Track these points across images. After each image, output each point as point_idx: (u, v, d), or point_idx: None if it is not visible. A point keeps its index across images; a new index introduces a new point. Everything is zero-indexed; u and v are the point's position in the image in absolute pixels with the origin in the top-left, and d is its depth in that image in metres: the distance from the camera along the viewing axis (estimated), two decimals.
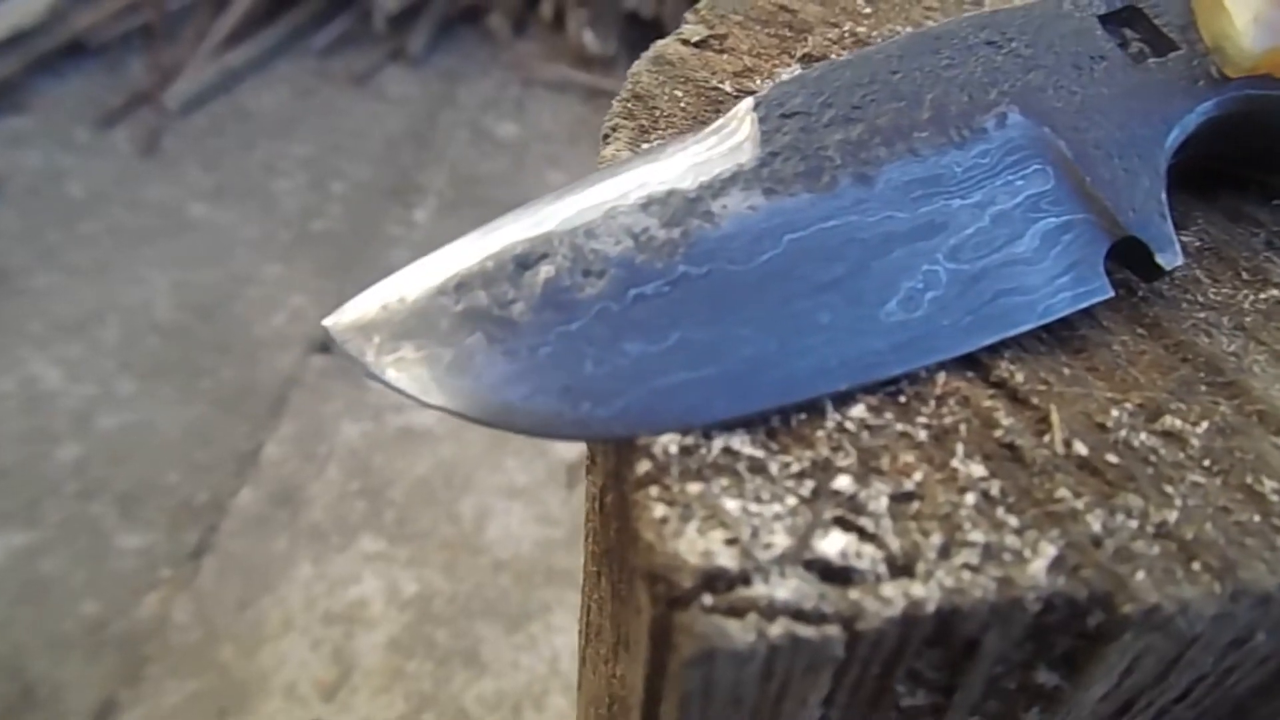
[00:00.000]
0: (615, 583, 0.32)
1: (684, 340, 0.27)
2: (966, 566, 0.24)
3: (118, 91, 2.15)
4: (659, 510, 0.25)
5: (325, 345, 1.69)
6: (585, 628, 0.44)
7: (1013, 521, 0.25)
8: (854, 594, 0.24)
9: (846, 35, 0.40)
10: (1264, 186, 0.36)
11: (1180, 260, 0.30)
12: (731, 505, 0.25)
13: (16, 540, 1.39)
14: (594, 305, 0.27)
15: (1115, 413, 0.28)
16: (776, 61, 0.39)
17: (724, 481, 0.25)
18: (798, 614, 0.23)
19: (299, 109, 2.20)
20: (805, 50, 0.39)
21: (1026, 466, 0.27)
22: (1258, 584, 0.25)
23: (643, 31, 2.26)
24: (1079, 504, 0.26)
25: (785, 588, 0.23)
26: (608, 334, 0.26)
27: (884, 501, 0.25)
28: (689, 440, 0.26)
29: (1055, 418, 0.27)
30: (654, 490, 0.25)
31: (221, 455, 1.53)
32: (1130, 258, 0.30)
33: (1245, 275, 0.33)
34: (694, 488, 0.25)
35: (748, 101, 0.31)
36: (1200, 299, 0.32)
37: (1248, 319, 0.31)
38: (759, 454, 0.26)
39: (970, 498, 0.26)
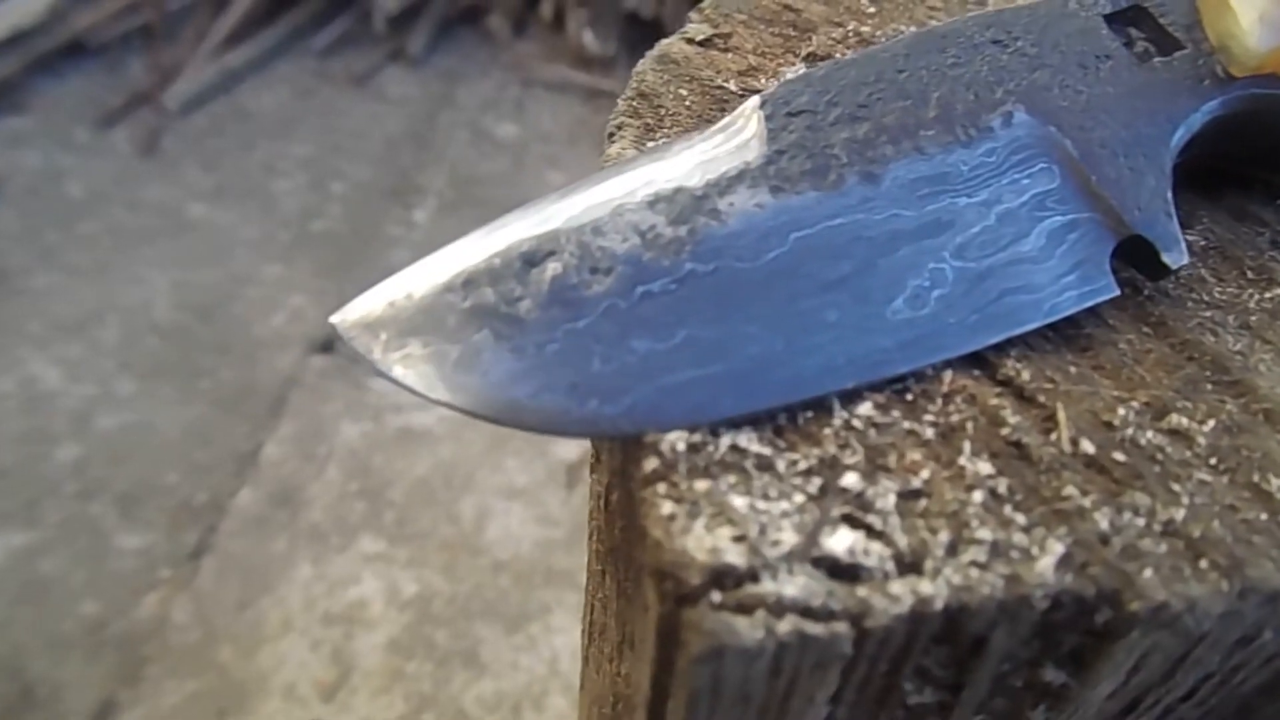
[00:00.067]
0: (621, 581, 0.32)
1: (691, 338, 0.27)
2: (974, 564, 0.24)
3: (117, 92, 2.15)
4: (667, 507, 0.25)
5: (325, 345, 1.69)
6: (589, 627, 0.44)
7: (1020, 519, 0.25)
8: (862, 591, 0.24)
9: (851, 35, 0.40)
10: (1269, 186, 0.36)
11: (1186, 259, 0.30)
12: (739, 502, 0.25)
13: (16, 540, 1.39)
14: (601, 302, 0.27)
15: (1122, 411, 0.28)
16: (781, 61, 0.39)
17: (732, 479, 0.25)
18: (806, 611, 0.23)
19: (299, 109, 2.20)
20: (810, 49, 0.39)
21: (1034, 464, 0.27)
22: (1265, 582, 0.25)
23: (642, 32, 2.26)
24: (1086, 502, 0.26)
25: (793, 585, 0.23)
26: (615, 331, 0.26)
27: (891, 499, 0.25)
28: (696, 437, 0.26)
29: (1062, 416, 0.28)
30: (661, 487, 0.25)
31: (221, 456, 1.52)
32: (1136, 256, 0.30)
33: (1250, 274, 0.33)
34: (702, 485, 0.25)
35: (754, 100, 0.31)
36: (1206, 298, 0.32)
37: (1253, 318, 0.31)
38: (766, 451, 0.26)
39: (978, 495, 0.26)
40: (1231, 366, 0.30)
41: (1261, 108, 0.33)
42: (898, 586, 0.24)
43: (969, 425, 0.27)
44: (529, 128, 2.21)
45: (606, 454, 0.32)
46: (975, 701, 0.27)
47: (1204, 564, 0.25)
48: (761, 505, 0.25)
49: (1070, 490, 0.26)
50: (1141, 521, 0.26)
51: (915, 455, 0.26)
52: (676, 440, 0.26)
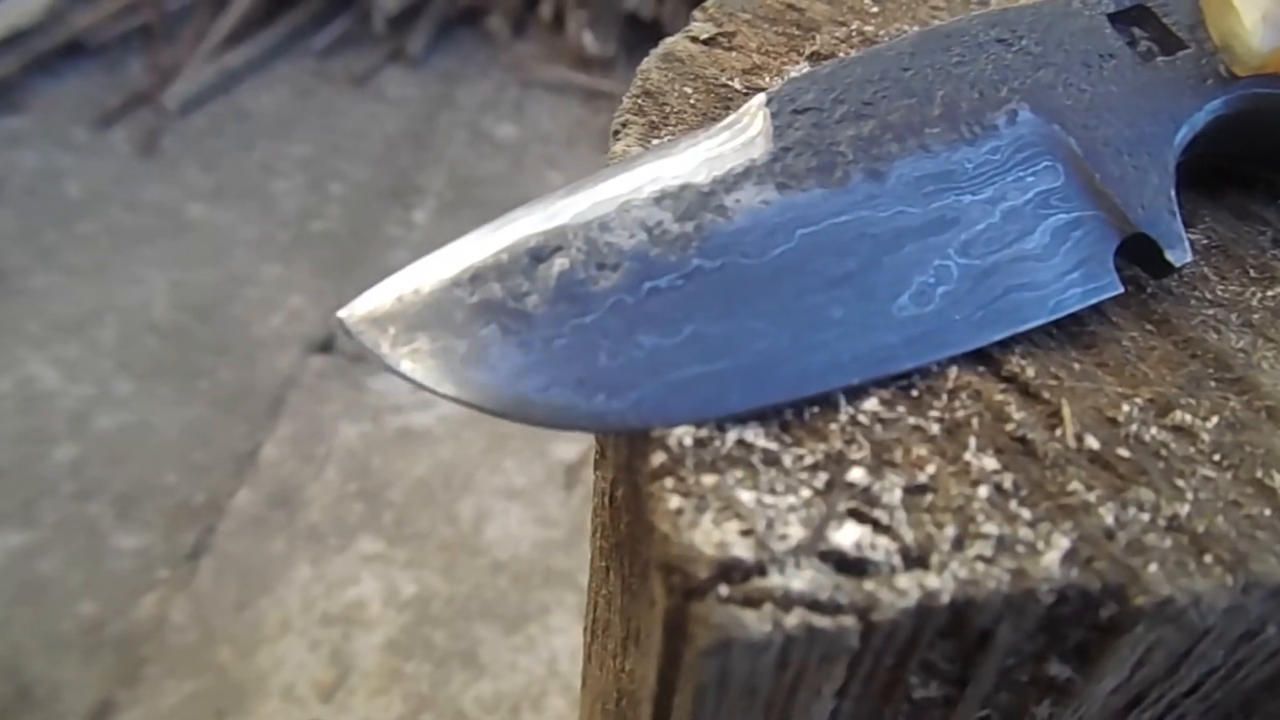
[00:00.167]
0: (626, 576, 0.32)
1: (698, 333, 0.27)
2: (980, 558, 0.24)
3: (116, 92, 2.15)
4: (674, 502, 0.25)
5: (324, 346, 1.69)
6: (592, 624, 0.44)
7: (1025, 514, 0.25)
8: (869, 585, 0.24)
9: (854, 33, 0.40)
10: (1271, 185, 0.36)
11: (1189, 257, 0.30)
12: (746, 497, 0.25)
13: (14, 541, 1.39)
14: (608, 298, 0.27)
15: (1126, 407, 0.28)
16: (785, 59, 0.39)
17: (739, 473, 0.25)
18: (813, 604, 0.23)
19: (298, 110, 2.20)
20: (813, 48, 0.40)
21: (1039, 460, 0.27)
22: (1269, 577, 0.25)
23: (642, 33, 2.26)
24: (1091, 497, 0.26)
25: (801, 578, 0.24)
26: (622, 326, 0.27)
27: (898, 494, 0.25)
28: (703, 433, 0.26)
29: (1067, 412, 0.28)
30: (669, 482, 0.25)
31: (219, 456, 1.52)
32: (1139, 254, 0.30)
33: (1253, 273, 0.33)
34: (709, 479, 0.25)
35: (760, 97, 0.31)
36: (1208, 296, 0.32)
37: (1255, 316, 0.31)
38: (773, 446, 0.26)
39: (983, 490, 0.26)
40: (1234, 364, 0.30)
41: (1264, 107, 0.33)
42: (904, 580, 0.24)
43: (974, 421, 0.27)
44: (528, 128, 2.21)
45: (612, 449, 0.32)
46: (980, 696, 0.28)
47: (1208, 559, 0.25)
48: (768, 500, 0.25)
49: (1075, 485, 0.26)
50: (1146, 517, 0.26)
51: (921, 450, 0.26)
52: (683, 435, 0.26)
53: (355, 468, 1.52)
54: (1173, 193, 0.31)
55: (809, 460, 0.26)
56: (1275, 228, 0.35)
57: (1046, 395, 0.28)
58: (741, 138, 0.30)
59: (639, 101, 0.37)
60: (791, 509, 0.25)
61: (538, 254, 0.28)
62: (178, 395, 1.60)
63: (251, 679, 1.27)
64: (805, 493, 0.25)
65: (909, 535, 0.25)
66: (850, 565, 0.24)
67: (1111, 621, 0.25)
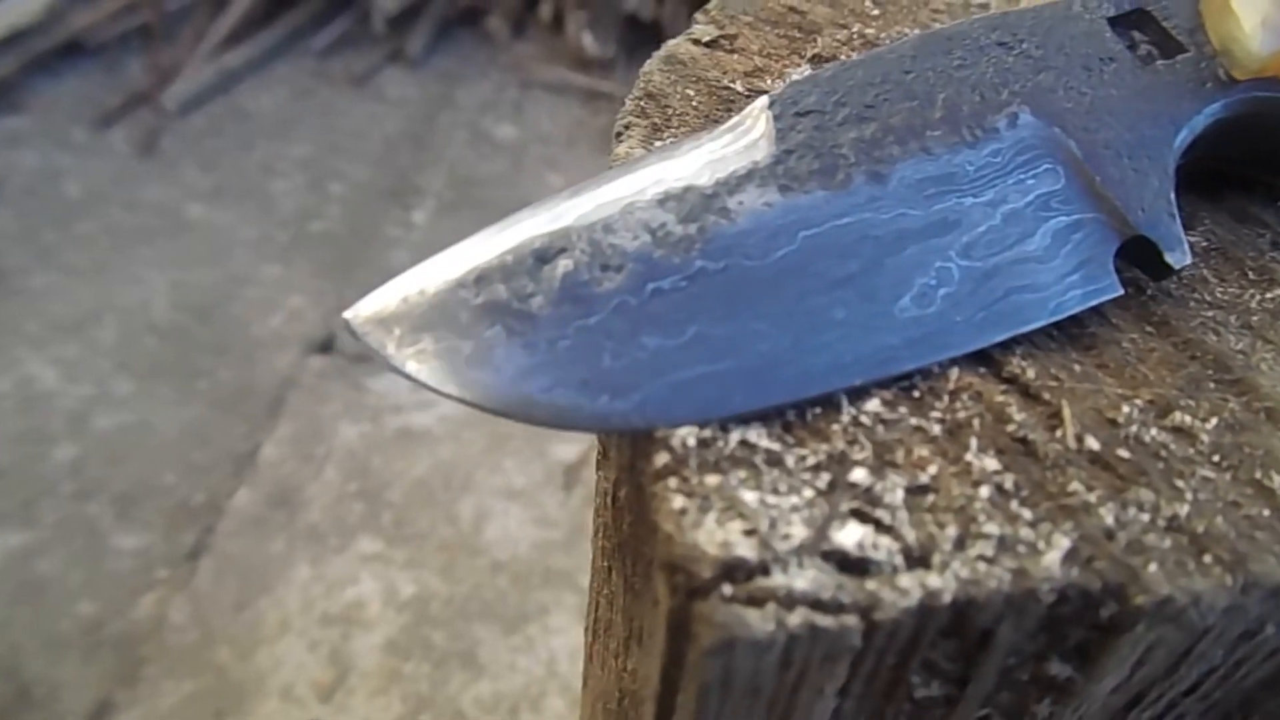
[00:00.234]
0: (629, 576, 0.32)
1: (701, 335, 0.27)
2: (982, 558, 0.25)
3: (115, 92, 2.15)
4: (678, 502, 0.25)
5: (324, 346, 1.69)
6: (593, 624, 0.44)
7: (1027, 514, 0.26)
8: (871, 584, 0.24)
9: (855, 37, 0.41)
10: (1270, 188, 0.36)
11: (1189, 259, 0.30)
12: (749, 497, 0.25)
13: (13, 540, 1.39)
14: (612, 299, 0.27)
15: (1126, 409, 0.28)
16: (786, 62, 0.39)
17: (742, 474, 0.26)
18: (816, 604, 0.23)
19: (297, 110, 2.20)
20: (815, 51, 0.40)
21: (1039, 460, 0.27)
22: (1268, 577, 0.25)
23: (641, 34, 2.26)
24: (1091, 497, 0.26)
25: (804, 578, 0.24)
26: (626, 328, 0.27)
27: (899, 494, 0.26)
28: (706, 433, 0.26)
29: (1067, 413, 0.28)
30: (673, 482, 0.25)
31: (219, 456, 1.52)
32: (1139, 257, 0.31)
33: (1252, 275, 0.33)
34: (712, 480, 0.25)
35: (762, 100, 0.31)
36: (1208, 298, 0.32)
37: (1254, 318, 0.32)
38: (776, 447, 0.26)
39: (984, 491, 0.26)
40: (1233, 365, 0.30)
41: (1263, 111, 0.33)
42: (906, 580, 0.24)
43: (975, 422, 0.28)
44: (528, 129, 2.21)
45: (615, 450, 0.32)
46: (981, 695, 0.28)
47: (1208, 559, 0.25)
48: (771, 500, 0.25)
49: (1076, 486, 0.26)
50: (1146, 517, 0.26)
51: (922, 451, 0.27)
52: (687, 435, 0.26)
53: (355, 468, 1.52)
54: (1172, 195, 0.31)
55: (811, 461, 0.26)
56: (1274, 230, 0.35)
57: (1047, 396, 0.28)
58: (744, 140, 0.30)
59: (641, 103, 0.37)
60: (794, 509, 0.25)
61: (542, 255, 0.28)
62: (177, 395, 1.60)
63: (251, 679, 1.27)
64: (808, 493, 0.25)
65: (911, 535, 0.25)
66: (853, 565, 0.24)
67: (1112, 621, 0.25)
